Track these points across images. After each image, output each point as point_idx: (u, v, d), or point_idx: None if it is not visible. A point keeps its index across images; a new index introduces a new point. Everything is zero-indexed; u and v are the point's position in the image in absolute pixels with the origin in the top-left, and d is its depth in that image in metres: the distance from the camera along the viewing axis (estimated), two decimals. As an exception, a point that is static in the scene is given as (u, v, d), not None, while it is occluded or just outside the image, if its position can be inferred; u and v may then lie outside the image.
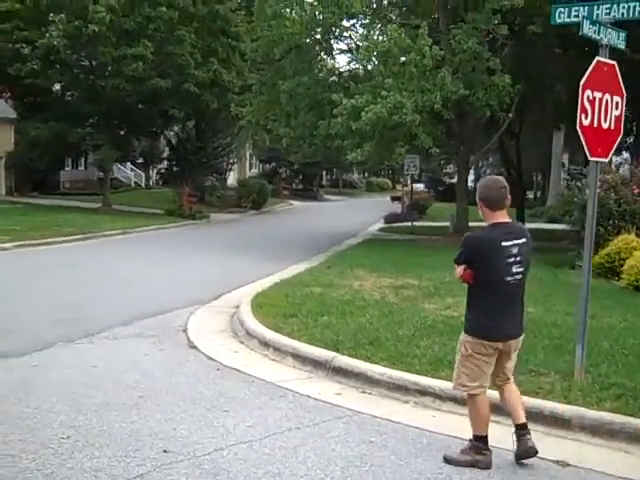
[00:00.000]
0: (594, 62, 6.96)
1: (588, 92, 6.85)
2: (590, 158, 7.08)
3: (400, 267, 16.51)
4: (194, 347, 9.20)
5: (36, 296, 12.45)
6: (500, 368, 5.74)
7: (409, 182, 36.02)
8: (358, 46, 21.61)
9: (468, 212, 24.49)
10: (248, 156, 61.38)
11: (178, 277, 15.82)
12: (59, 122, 33.12)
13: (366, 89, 19.95)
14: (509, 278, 5.54)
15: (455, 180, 67.40)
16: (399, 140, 19.97)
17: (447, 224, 31.90)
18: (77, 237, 24.35)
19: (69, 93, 36.19)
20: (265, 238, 27.97)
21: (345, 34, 23.76)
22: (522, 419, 5.69)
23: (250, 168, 63.82)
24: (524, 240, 5.63)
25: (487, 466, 5.51)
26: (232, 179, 54.66)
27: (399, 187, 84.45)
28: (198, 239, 27.11)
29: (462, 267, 5.62)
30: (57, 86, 36.75)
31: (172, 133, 40.65)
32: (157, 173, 56.85)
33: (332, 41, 23.91)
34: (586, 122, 6.89)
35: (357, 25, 22.95)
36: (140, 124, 35.75)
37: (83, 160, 47.69)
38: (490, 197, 5.64)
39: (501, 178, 6.07)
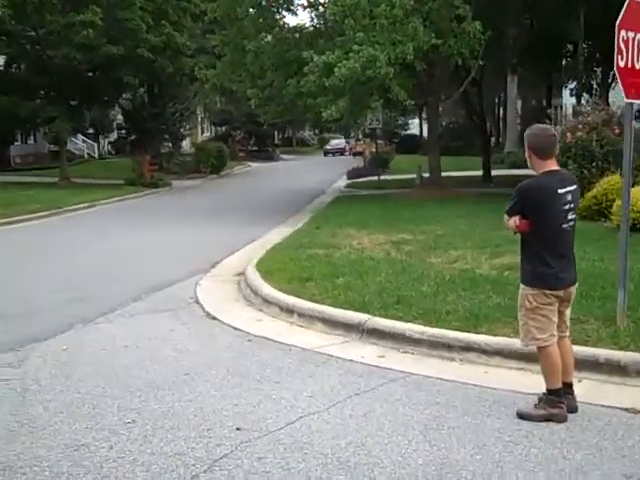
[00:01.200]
0: (627, 1, 6.82)
1: (623, 32, 6.72)
2: (625, 100, 6.98)
3: (387, 223, 16.47)
4: (215, 319, 9.02)
5: (32, 277, 12.10)
6: (561, 318, 5.69)
7: (372, 137, 35.67)
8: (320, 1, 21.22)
9: (440, 163, 24.41)
10: (200, 120, 60.50)
11: (166, 247, 15.56)
12: (8, 96, 32.07)
13: (336, 45, 19.63)
14: (565, 225, 5.50)
15: (410, 132, 67.56)
16: (373, 94, 19.73)
17: (412, 176, 31.96)
18: (44, 214, 23.79)
19: (15, 65, 34.98)
20: (235, 202, 27.72)
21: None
22: (570, 378, 5.67)
23: (202, 132, 62.97)
24: (575, 187, 5.59)
25: (563, 419, 5.47)
26: (185, 144, 53.93)
27: (352, 142, 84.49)
28: (168, 207, 26.76)
29: (516, 217, 5.53)
30: (1, 59, 35.56)
31: (126, 101, 39.67)
32: (108, 143, 55.77)
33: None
34: (622, 63, 6.78)
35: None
36: (93, 93, 34.84)
37: (32, 134, 46.42)
38: (541, 146, 5.55)
39: (549, 126, 5.99)
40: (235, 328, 8.53)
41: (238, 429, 5.35)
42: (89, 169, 42.63)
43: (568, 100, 38.75)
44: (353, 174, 37.67)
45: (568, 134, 16.28)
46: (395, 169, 40.31)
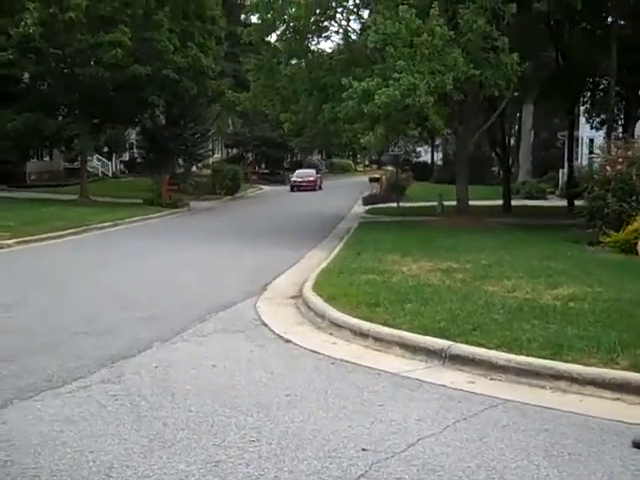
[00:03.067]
0: None
1: None
2: None
3: (426, 251, 16.57)
4: (288, 341, 9.10)
5: (92, 295, 12.23)
6: None
7: (394, 164, 35.96)
8: (362, 28, 21.47)
9: (468, 192, 24.61)
10: (211, 142, 60.83)
11: (209, 269, 15.79)
12: (33, 112, 32.31)
13: (375, 72, 19.88)
14: None
15: (422, 159, 67.92)
16: (410, 122, 19.96)
17: (430, 204, 32.18)
18: (72, 231, 23.94)
19: (41, 82, 35.27)
20: (258, 224, 27.93)
21: (339, 15, 23.62)
22: None
23: (214, 153, 63.27)
24: None
25: (680, 449, 5.51)
26: (195, 166, 54.20)
27: (360, 168, 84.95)
28: (194, 228, 26.92)
29: None
30: (27, 75, 35.83)
31: (147, 120, 39.98)
32: (121, 162, 56.00)
33: (326, 22, 23.70)
34: None
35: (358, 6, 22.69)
36: (117, 112, 35.10)
37: (49, 151, 46.70)
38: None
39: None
40: (313, 351, 8.61)
41: (364, 450, 5.45)
42: (105, 188, 42.82)
43: (585, 133, 39.09)
44: (369, 200, 37.88)
45: (608, 167, 16.48)
46: (410, 196, 40.51)
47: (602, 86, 28.98)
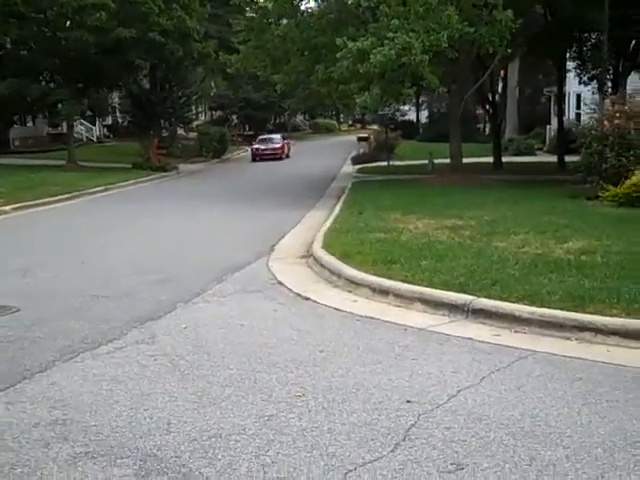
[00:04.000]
0: None
1: None
2: None
3: (427, 208, 16.69)
4: (308, 299, 9.22)
5: (104, 260, 12.28)
6: None
7: (380, 123, 35.90)
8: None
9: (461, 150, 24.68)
10: (196, 104, 60.36)
11: (212, 230, 15.91)
12: (17, 78, 31.92)
13: (369, 31, 19.80)
14: None
15: (407, 117, 67.77)
16: (405, 81, 19.95)
17: (421, 162, 32.23)
18: (66, 196, 23.95)
19: (24, 47, 34.79)
20: (251, 186, 27.90)
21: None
22: None
23: (197, 116, 62.80)
24: None
25: None
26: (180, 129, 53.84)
27: (344, 127, 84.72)
28: (188, 191, 26.90)
29: None
30: (9, 41, 35.31)
31: (133, 84, 39.60)
32: (104, 126, 55.54)
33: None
34: None
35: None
36: (101, 76, 34.74)
37: (31, 117, 46.22)
38: None
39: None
40: (335, 309, 8.73)
41: (408, 401, 5.59)
42: (91, 152, 42.52)
43: (572, 88, 39.15)
44: (359, 160, 37.86)
45: (605, 122, 16.58)
46: (399, 155, 40.52)
47: (591, 41, 28.97)
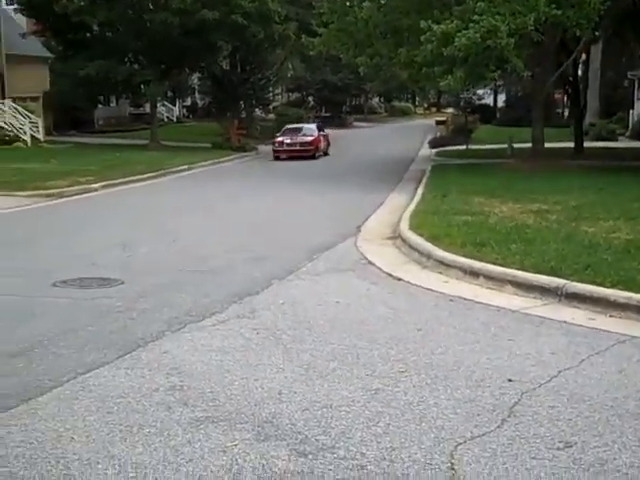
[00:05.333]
0: None
1: None
2: None
3: (510, 192, 16.61)
4: (400, 279, 9.36)
5: (196, 237, 12.68)
6: None
7: (461, 105, 35.67)
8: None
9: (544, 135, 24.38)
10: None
11: (298, 210, 16.20)
12: (104, 60, 32.72)
13: (453, 14, 19.72)
14: None
15: (484, 101, 66.95)
16: (489, 65, 19.82)
17: (499, 146, 31.89)
18: (151, 174, 24.48)
19: (111, 29, 35.61)
20: (330, 167, 28.11)
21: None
22: None
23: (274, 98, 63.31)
24: None
25: None
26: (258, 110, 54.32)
27: (419, 111, 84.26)
28: (269, 171, 27.28)
29: None
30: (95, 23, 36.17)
31: (217, 66, 40.16)
32: (184, 106, 56.46)
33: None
34: None
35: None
36: (184, 58, 35.34)
37: (115, 97, 47.32)
38: None
39: None
40: (427, 289, 8.86)
41: (510, 380, 5.69)
42: (171, 132, 43.31)
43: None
44: (436, 143, 37.68)
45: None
46: (477, 139, 40.18)
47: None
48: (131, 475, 4.17)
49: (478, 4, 19.00)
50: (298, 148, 32.07)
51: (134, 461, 4.33)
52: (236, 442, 4.57)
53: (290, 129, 34.38)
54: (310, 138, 33.21)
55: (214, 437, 4.63)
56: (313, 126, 35.86)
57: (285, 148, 32.36)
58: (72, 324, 7.17)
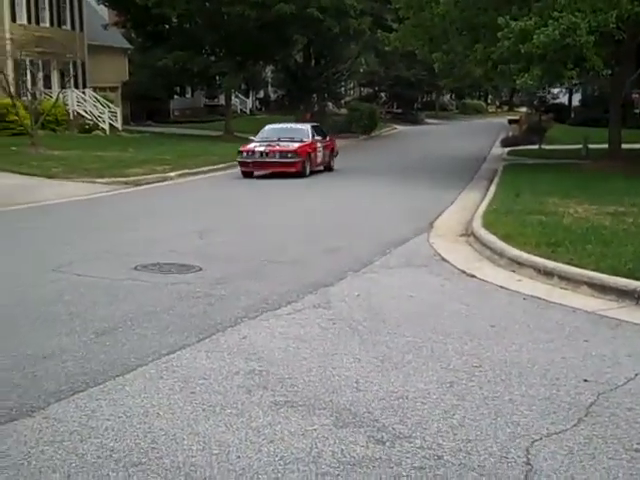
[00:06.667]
0: None
1: None
2: None
3: (585, 193, 16.38)
4: (473, 276, 9.37)
5: (271, 228, 12.92)
6: None
7: (535, 104, 35.20)
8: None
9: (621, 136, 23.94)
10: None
11: (369, 204, 16.24)
12: (183, 51, 33.28)
13: (532, 11, 19.50)
14: None
15: (559, 101, 65.90)
16: (567, 63, 19.55)
17: (574, 147, 31.39)
18: (225, 165, 24.84)
19: (189, 22, 36.21)
20: (401, 163, 28.08)
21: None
22: None
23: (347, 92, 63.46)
24: None
25: None
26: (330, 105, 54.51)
27: (491, 109, 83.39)
28: (340, 166, 27.29)
29: None
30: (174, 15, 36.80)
31: (292, 59, 40.51)
32: (256, 99, 57.01)
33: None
34: None
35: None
36: (259, 51, 35.71)
37: (190, 89, 48.08)
38: None
39: None
40: (501, 287, 8.85)
41: (585, 380, 5.69)
42: (244, 124, 43.69)
43: None
44: (508, 142, 37.28)
45: None
46: (550, 139, 39.62)
47: None
48: (215, 452, 4.33)
49: (558, 1, 18.75)
50: (277, 160, 21.54)
51: (217, 439, 4.50)
52: (315, 427, 4.69)
53: (271, 130, 24.23)
54: (295, 145, 22.06)
55: (294, 421, 4.77)
56: (306, 127, 24.47)
57: (257, 160, 21.67)
58: (154, 307, 7.41)
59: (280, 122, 27.51)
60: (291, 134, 23.32)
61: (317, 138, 23.91)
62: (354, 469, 4.16)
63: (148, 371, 5.61)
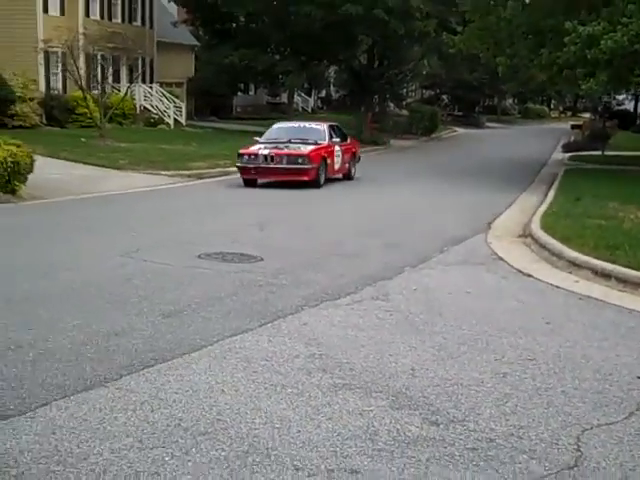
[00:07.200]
0: None
1: None
2: None
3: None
4: (530, 276, 9.45)
5: (327, 223, 13.21)
6: None
7: (599, 110, 34.81)
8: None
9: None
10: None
11: (431, 205, 16.33)
12: (249, 49, 33.75)
13: (601, 16, 19.38)
14: None
15: (623, 107, 64.85)
16: (635, 69, 19.39)
17: (637, 153, 30.99)
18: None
19: (256, 20, 36.70)
20: (461, 165, 28.09)
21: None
22: None
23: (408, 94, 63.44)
24: None
25: None
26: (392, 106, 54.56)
27: (554, 114, 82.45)
28: (402, 165, 27.56)
29: None
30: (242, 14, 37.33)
31: (356, 60, 40.73)
32: (319, 98, 57.39)
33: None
34: None
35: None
36: (324, 51, 36.02)
37: (254, 86, 48.65)
38: None
39: None
40: (557, 287, 8.93)
41: (638, 377, 5.78)
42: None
43: None
44: (570, 147, 36.92)
45: None
46: (614, 145, 39.12)
47: None
48: (277, 426, 4.57)
49: (629, 6, 18.60)
50: (284, 166, 18.26)
51: (279, 415, 4.73)
52: (372, 408, 4.90)
53: (280, 130, 20.77)
54: (308, 149, 18.73)
55: (351, 402, 4.98)
56: (323, 127, 20.81)
57: (261, 165, 18.33)
58: (217, 293, 7.69)
59: (339, 121, 26.62)
60: (304, 135, 19.71)
61: (335, 140, 20.25)
62: (409, 447, 4.36)
63: (213, 351, 5.88)
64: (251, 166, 18.45)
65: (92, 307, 7.05)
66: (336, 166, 19.93)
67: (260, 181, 18.85)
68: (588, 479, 4.08)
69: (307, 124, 21.84)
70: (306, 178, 18.27)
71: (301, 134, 19.81)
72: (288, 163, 18.26)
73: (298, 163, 18.27)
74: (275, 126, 21.43)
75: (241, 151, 18.85)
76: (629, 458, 4.35)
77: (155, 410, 4.74)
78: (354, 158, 21.53)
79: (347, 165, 20.86)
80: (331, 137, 20.09)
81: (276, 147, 18.64)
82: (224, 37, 35.82)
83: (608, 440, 4.57)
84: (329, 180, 19.47)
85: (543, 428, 4.71)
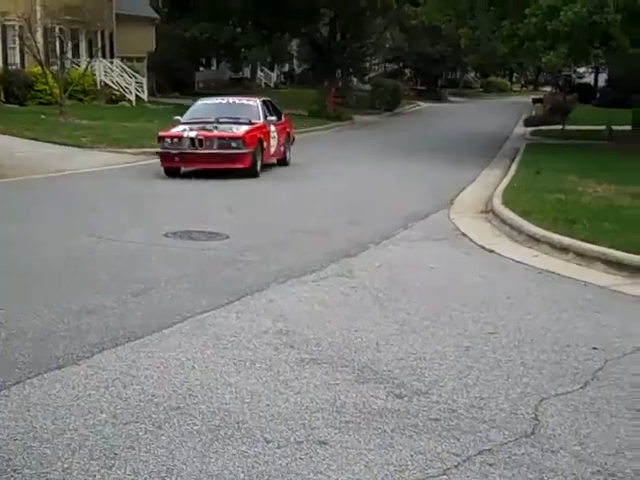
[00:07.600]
0: None
1: None
2: None
3: (606, 173, 16.47)
4: (492, 251, 9.66)
5: (293, 202, 13.28)
6: None
7: (560, 84, 35.16)
8: None
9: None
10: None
11: (394, 180, 16.49)
12: (210, 22, 33.48)
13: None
14: None
15: (584, 81, 65.45)
16: (593, 41, 19.66)
17: (596, 127, 31.38)
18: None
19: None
20: (425, 140, 28.26)
21: None
22: None
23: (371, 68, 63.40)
24: None
25: None
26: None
27: (516, 88, 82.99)
28: (365, 142, 27.60)
29: None
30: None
31: (317, 33, 40.62)
32: (281, 73, 57.19)
33: None
34: None
35: None
36: (287, 23, 35.85)
37: (215, 61, 48.32)
38: None
39: None
40: (518, 261, 9.14)
41: (594, 348, 6.00)
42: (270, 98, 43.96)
43: None
44: (532, 122, 37.27)
45: None
46: (574, 119, 39.55)
47: None
48: (247, 400, 4.72)
49: (588, -24, 18.83)
50: (215, 151, 15.64)
51: (248, 389, 4.88)
52: (338, 382, 5.06)
53: (206, 106, 18.11)
54: (242, 130, 16.15)
55: (318, 376, 5.14)
56: (255, 102, 17.97)
57: (186, 150, 15.64)
58: (185, 270, 7.82)
59: (302, 97, 26.49)
60: (234, 112, 16.97)
61: (270, 119, 17.48)
62: (374, 419, 4.53)
63: (183, 328, 6.01)
64: (174, 152, 15.58)
65: (62, 286, 7.14)
66: (272, 149, 17.26)
67: (183, 169, 16.15)
68: (544, 446, 4.27)
69: (237, 100, 18.40)
70: (241, 166, 15.59)
71: (231, 112, 16.99)
72: (219, 148, 15.53)
73: (231, 147, 15.53)
74: (199, 102, 18.61)
75: (161, 133, 16.13)
76: (584, 425, 4.56)
77: (127, 386, 4.86)
78: (289, 140, 18.88)
79: (282, 148, 18.10)
80: (265, 115, 17.27)
81: (203, 128, 15.92)
82: (184, 9, 35.46)
83: (564, 409, 4.77)
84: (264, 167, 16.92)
85: (503, 399, 4.90)
